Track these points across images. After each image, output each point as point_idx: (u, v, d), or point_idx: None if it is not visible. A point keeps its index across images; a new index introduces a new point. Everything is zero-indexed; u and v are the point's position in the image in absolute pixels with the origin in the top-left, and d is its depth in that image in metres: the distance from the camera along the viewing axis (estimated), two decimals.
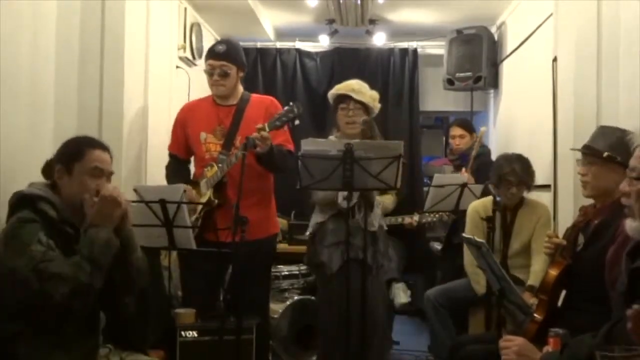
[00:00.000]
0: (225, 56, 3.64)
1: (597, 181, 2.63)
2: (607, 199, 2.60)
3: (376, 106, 3.93)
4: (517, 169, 3.78)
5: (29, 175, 2.63)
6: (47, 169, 2.48)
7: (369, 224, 3.72)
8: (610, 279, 2.26)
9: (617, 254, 2.24)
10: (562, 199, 3.80)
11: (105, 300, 2.42)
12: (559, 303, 2.74)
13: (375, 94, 3.95)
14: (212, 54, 3.69)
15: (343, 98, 3.87)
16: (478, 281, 3.87)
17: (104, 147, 2.50)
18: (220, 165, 3.52)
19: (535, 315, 2.60)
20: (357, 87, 3.88)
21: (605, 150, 2.59)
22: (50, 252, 2.23)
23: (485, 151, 5.33)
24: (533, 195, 4.14)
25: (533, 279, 3.68)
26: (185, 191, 3.35)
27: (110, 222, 2.35)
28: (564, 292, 2.74)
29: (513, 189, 3.81)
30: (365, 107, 3.84)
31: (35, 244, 2.21)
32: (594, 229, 2.63)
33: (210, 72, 3.65)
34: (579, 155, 2.75)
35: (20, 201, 2.33)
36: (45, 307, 2.21)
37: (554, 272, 2.71)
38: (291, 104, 3.40)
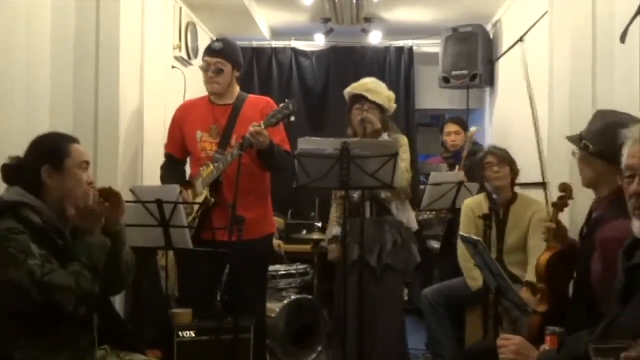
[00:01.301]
0: (220, 53, 3.63)
1: (582, 172, 2.60)
2: (599, 190, 2.55)
3: (392, 106, 3.93)
4: (493, 150, 4.03)
5: None
6: (10, 174, 2.38)
7: (408, 221, 3.89)
8: (601, 296, 2.25)
9: (605, 270, 2.23)
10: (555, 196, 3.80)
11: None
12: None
13: (391, 95, 3.94)
14: (209, 51, 3.69)
15: (358, 98, 3.87)
16: (473, 277, 3.88)
17: (77, 140, 2.47)
18: (216, 164, 3.51)
19: (538, 307, 2.60)
20: (372, 87, 3.87)
21: (586, 138, 2.55)
22: (47, 264, 2.20)
23: (478, 149, 5.34)
24: (528, 193, 4.15)
25: (531, 275, 3.69)
26: (181, 192, 3.34)
27: (98, 225, 2.36)
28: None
29: (495, 168, 3.92)
30: (380, 108, 3.84)
31: (31, 257, 2.17)
32: (592, 223, 2.60)
33: (205, 69, 3.65)
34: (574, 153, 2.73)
35: (2, 209, 2.25)
36: (47, 313, 2.21)
37: (544, 258, 2.71)
38: (286, 101, 3.39)
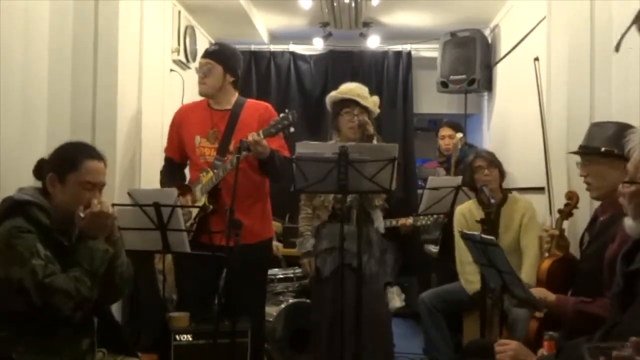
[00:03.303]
0: (211, 55, 3.64)
1: (600, 180, 2.56)
2: (615, 195, 2.55)
3: (377, 111, 3.95)
4: (482, 153, 4.15)
5: (21, 182, 2.57)
6: (40, 170, 2.43)
7: (378, 226, 3.86)
8: (608, 280, 2.25)
9: (616, 254, 2.23)
10: (557, 201, 3.80)
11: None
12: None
13: (376, 99, 3.98)
14: (203, 53, 3.71)
15: (347, 102, 3.87)
16: (469, 280, 3.89)
17: (100, 157, 2.44)
18: (215, 170, 3.51)
19: (536, 312, 2.59)
20: (360, 92, 3.89)
21: (602, 146, 2.55)
22: (50, 265, 2.21)
23: (474, 152, 5.34)
24: (528, 199, 4.15)
25: (524, 276, 3.69)
26: (179, 195, 3.34)
27: (105, 232, 2.37)
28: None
29: (485, 171, 4.00)
30: (368, 113, 3.86)
31: (35, 257, 2.18)
32: (599, 227, 2.59)
33: (197, 70, 3.66)
34: (577, 158, 2.72)
35: (12, 208, 2.28)
36: (44, 316, 2.21)
37: (545, 264, 2.71)
38: (286, 111, 3.38)
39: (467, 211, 4.05)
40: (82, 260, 2.28)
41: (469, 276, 3.86)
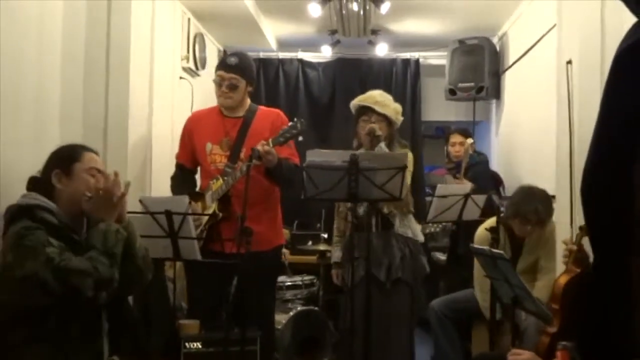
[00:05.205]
0: (236, 69, 3.62)
1: None
2: None
3: (399, 119, 3.89)
4: (540, 209, 3.63)
5: None
6: (33, 183, 2.45)
7: (414, 234, 3.83)
8: None
9: None
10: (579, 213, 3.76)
11: (110, 299, 2.42)
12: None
13: (398, 107, 3.91)
14: (224, 65, 3.67)
15: (365, 110, 3.85)
16: (488, 308, 3.80)
17: (96, 152, 2.56)
18: (225, 178, 3.52)
19: (549, 328, 2.58)
20: (380, 99, 3.84)
21: None
22: (65, 252, 2.24)
23: (482, 159, 5.35)
24: None
25: (536, 293, 3.66)
26: (190, 203, 3.35)
27: (113, 212, 2.40)
28: None
29: (529, 227, 3.68)
30: (387, 120, 3.83)
31: (48, 246, 2.21)
32: None
33: (219, 83, 3.62)
34: None
35: (17, 213, 2.31)
36: (71, 305, 2.23)
37: (562, 280, 2.70)
38: (295, 120, 3.39)
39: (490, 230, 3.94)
40: (95, 242, 2.31)
41: (488, 304, 3.76)
